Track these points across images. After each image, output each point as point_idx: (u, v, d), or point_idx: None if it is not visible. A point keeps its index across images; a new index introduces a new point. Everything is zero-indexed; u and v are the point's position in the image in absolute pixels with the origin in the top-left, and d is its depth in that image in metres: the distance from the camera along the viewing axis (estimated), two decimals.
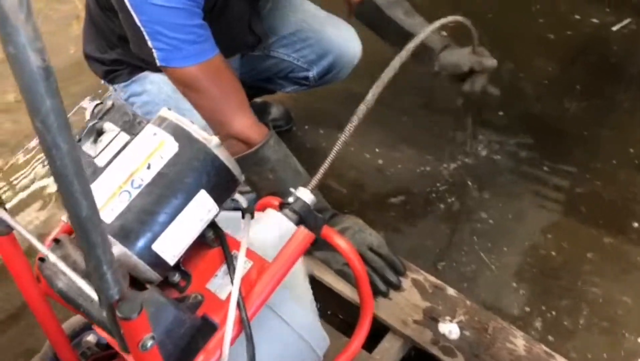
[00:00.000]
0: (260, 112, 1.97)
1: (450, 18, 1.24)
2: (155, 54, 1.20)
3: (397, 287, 1.36)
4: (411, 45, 1.10)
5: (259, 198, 1.31)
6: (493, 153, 1.83)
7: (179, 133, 0.81)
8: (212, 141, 0.81)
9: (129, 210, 0.77)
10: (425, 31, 1.14)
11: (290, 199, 1.08)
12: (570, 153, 1.81)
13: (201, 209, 0.81)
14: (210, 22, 1.25)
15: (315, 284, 1.42)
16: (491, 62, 1.39)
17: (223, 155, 0.82)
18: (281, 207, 1.08)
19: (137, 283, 0.82)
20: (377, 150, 1.88)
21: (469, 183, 1.77)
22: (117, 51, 1.43)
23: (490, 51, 1.40)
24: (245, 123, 1.27)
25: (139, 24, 1.18)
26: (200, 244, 0.89)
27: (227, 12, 1.36)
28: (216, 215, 0.85)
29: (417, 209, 1.72)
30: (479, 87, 1.41)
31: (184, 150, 0.80)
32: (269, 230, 1.03)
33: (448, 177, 1.79)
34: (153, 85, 1.46)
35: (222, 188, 0.84)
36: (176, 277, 0.87)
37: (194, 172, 0.80)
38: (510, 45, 2.17)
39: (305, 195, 1.08)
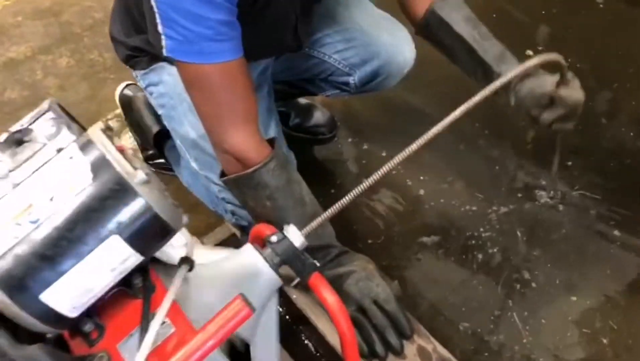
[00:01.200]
0: (303, 115, 1.81)
1: (544, 57, 1.05)
2: (163, 41, 1.05)
3: (398, 353, 1.15)
4: (483, 93, 0.95)
5: (256, 223, 1.15)
6: (553, 204, 1.57)
7: (97, 162, 0.65)
8: (136, 177, 0.65)
9: (17, 249, 0.63)
10: (507, 76, 1.00)
11: (274, 238, 0.93)
12: None
13: (113, 258, 0.66)
14: (251, 17, 1.10)
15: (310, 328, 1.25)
16: (577, 95, 1.15)
17: (151, 196, 0.66)
18: (264, 244, 0.94)
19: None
20: (421, 177, 1.66)
21: (518, 234, 1.52)
22: (142, 37, 1.29)
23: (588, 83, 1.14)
24: (243, 139, 1.09)
25: (152, 2, 1.03)
26: (125, 293, 0.74)
27: (272, 9, 1.20)
28: (141, 264, 0.70)
29: (451, 255, 1.49)
30: (548, 120, 1.18)
31: (99, 183, 0.64)
32: (231, 278, 0.88)
33: (495, 223, 1.55)
34: (170, 77, 1.33)
35: (146, 236, 0.68)
36: (88, 327, 0.72)
37: (107, 213, 0.64)
38: (607, 78, 1.85)
39: (294, 235, 0.94)
